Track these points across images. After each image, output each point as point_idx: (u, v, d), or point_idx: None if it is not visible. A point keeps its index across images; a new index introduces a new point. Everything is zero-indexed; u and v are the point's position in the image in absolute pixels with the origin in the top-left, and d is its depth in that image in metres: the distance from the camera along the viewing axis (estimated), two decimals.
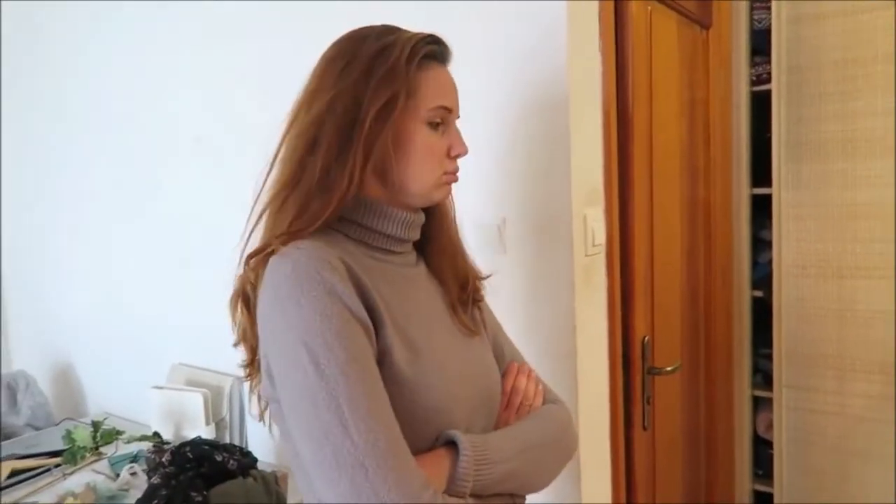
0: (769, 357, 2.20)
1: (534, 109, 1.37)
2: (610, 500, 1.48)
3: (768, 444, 2.25)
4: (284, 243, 0.76)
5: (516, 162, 1.39)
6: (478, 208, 1.44)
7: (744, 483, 2.28)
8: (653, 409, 1.64)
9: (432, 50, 0.85)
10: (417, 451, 0.75)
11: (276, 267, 0.75)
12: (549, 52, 1.32)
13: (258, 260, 0.80)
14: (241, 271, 0.82)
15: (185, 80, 1.98)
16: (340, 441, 0.67)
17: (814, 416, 2.13)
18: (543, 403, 0.96)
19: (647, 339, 1.59)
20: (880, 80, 1.98)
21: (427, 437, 0.77)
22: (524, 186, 1.39)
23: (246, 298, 0.81)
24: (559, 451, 0.92)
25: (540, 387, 0.97)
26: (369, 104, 0.78)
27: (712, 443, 2.11)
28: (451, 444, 0.77)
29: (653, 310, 1.66)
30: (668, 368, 1.65)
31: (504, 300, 1.42)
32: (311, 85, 0.84)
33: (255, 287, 0.79)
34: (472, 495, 0.77)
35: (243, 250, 0.82)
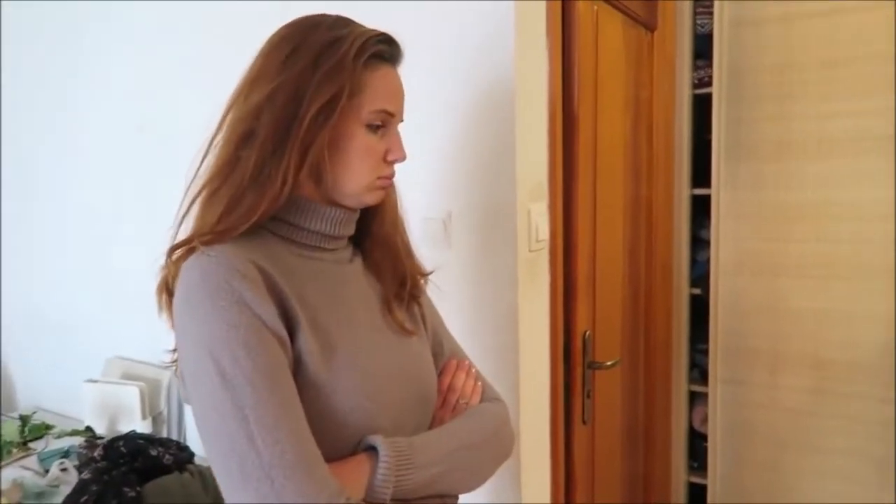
0: (706, 352, 2.27)
1: (481, 106, 1.37)
2: (549, 492, 1.50)
3: (703, 438, 2.32)
4: (208, 244, 0.74)
5: (463, 157, 1.40)
6: (424, 202, 1.44)
7: (679, 475, 2.35)
8: (593, 402, 1.67)
9: (383, 49, 0.83)
10: (339, 455, 0.74)
11: (188, 272, 0.73)
12: (497, 49, 1.33)
13: (179, 254, 0.77)
14: (163, 262, 0.80)
15: (128, 69, 1.92)
16: (246, 453, 0.66)
17: (747, 409, 2.21)
18: (482, 401, 0.94)
19: (588, 333, 1.62)
20: (814, 85, 2.05)
21: (348, 441, 0.76)
22: (470, 181, 1.40)
23: (169, 290, 0.79)
24: (493, 450, 0.90)
25: (479, 384, 0.95)
26: (311, 100, 0.76)
27: (650, 436, 2.16)
28: (373, 449, 0.76)
29: (594, 305, 1.69)
30: (609, 363, 1.68)
31: (449, 294, 1.43)
32: (253, 69, 0.81)
33: (174, 280, 0.76)
34: (397, 500, 0.75)
35: (173, 238, 0.80)
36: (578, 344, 1.59)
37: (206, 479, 1.46)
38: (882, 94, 1.96)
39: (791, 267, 2.12)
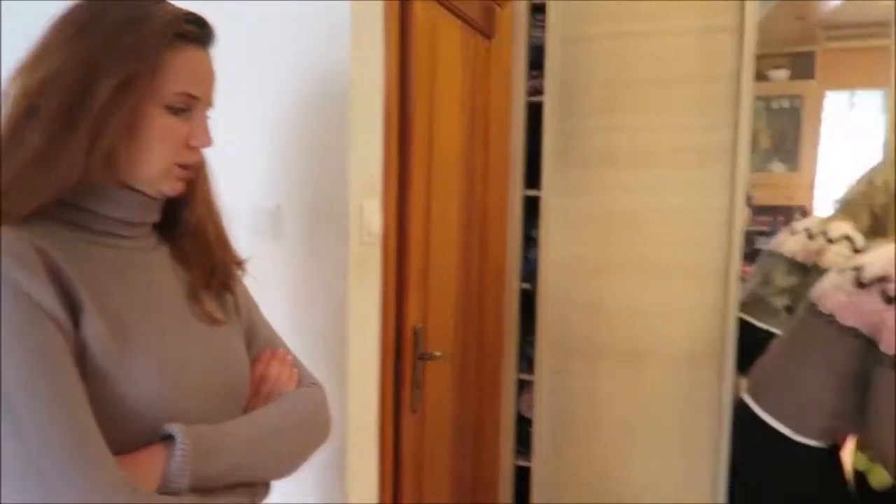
0: (533, 344, 2.43)
1: (315, 99, 1.38)
2: (377, 478, 1.54)
3: (530, 423, 2.47)
4: None
5: (295, 150, 1.40)
6: (253, 192, 1.42)
7: (507, 459, 2.49)
8: (423, 393, 1.74)
9: (190, 30, 0.78)
10: (133, 447, 0.71)
11: None
12: (333, 44, 1.34)
13: None
14: None
15: None
16: (11, 445, 0.62)
17: (569, 397, 2.38)
18: (299, 388, 0.94)
19: (419, 326, 1.68)
20: (636, 100, 2.26)
21: (146, 431, 0.73)
22: (302, 174, 1.40)
23: None
24: (304, 434, 0.89)
25: (294, 371, 0.95)
26: (105, 78, 0.71)
27: (480, 423, 2.27)
28: (171, 438, 0.73)
29: (427, 299, 1.75)
30: (439, 354, 1.75)
31: (277, 286, 1.43)
32: (41, 41, 0.75)
33: None
34: (200, 490, 0.73)
35: None
36: (409, 336, 1.65)
37: None
38: (696, 111, 2.20)
39: (611, 266, 2.32)
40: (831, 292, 1.41)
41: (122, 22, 0.74)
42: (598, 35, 2.30)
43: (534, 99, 2.41)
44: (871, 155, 4.63)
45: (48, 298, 0.68)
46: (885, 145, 2.81)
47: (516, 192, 2.41)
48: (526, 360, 2.52)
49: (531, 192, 2.43)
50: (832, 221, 2.26)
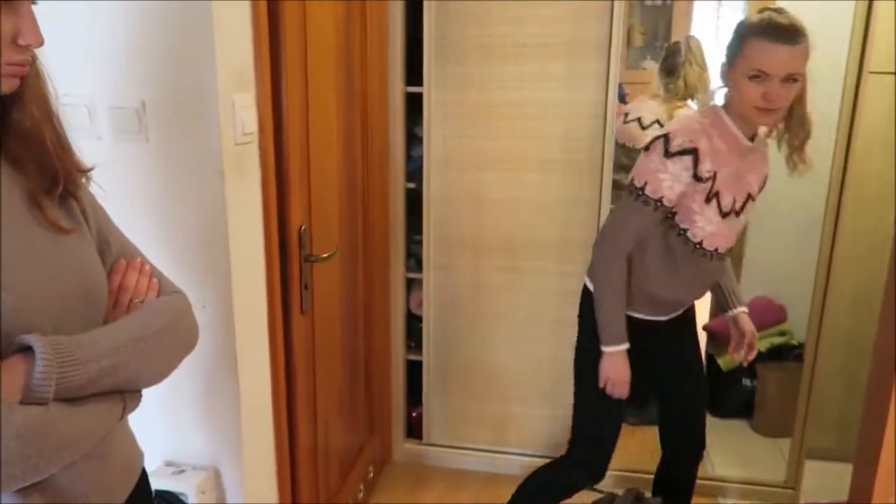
0: (421, 242, 2.45)
1: None
2: (269, 381, 1.55)
3: (419, 319, 2.54)
4: None
5: (156, 42, 1.28)
6: (112, 90, 1.30)
7: (399, 354, 2.56)
8: (311, 293, 1.73)
9: None
10: None
11: None
12: None
13: None
14: None
15: None
16: None
17: (455, 290, 2.45)
18: (160, 297, 0.92)
19: (304, 227, 1.65)
20: None
21: None
22: (165, 69, 1.29)
23: None
24: (170, 341, 0.88)
25: (154, 280, 0.92)
26: None
27: (370, 321, 2.31)
28: (29, 350, 0.70)
29: (310, 198, 1.71)
30: (325, 255, 1.73)
31: (147, 191, 1.34)
32: None
33: None
34: (64, 399, 0.72)
35: None
36: (295, 237, 1.61)
37: None
38: (572, 5, 2.19)
39: (491, 161, 2.35)
40: (639, 168, 1.57)
41: None
42: None
43: None
44: None
45: None
46: None
47: (397, 88, 2.35)
48: (414, 259, 2.55)
49: (413, 89, 2.38)
50: (645, 105, 2.52)
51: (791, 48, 1.43)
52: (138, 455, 0.95)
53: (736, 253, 3.09)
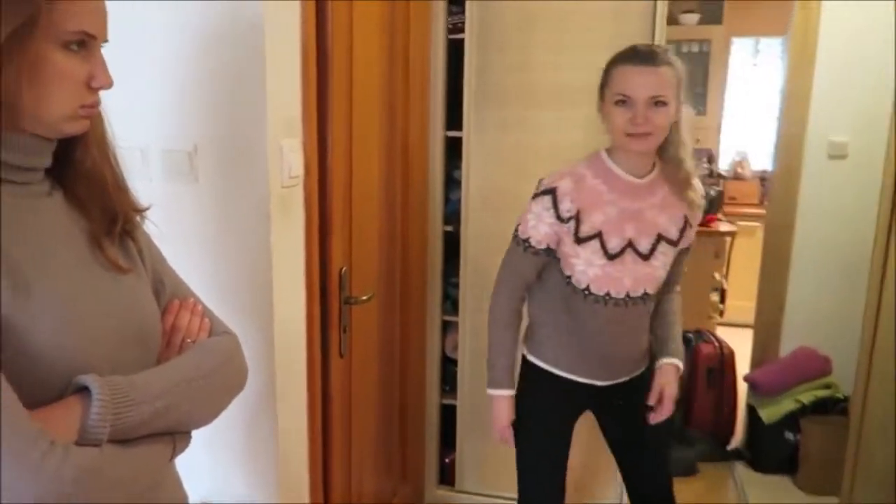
0: (458, 285, 2.45)
1: (227, 34, 1.30)
2: (306, 422, 1.54)
3: (454, 363, 2.52)
4: None
5: (209, 89, 1.32)
6: (167, 134, 1.35)
7: (433, 398, 2.54)
8: (350, 336, 1.73)
9: None
10: (49, 400, 0.69)
11: None
12: None
13: None
14: None
15: None
16: None
17: None
18: (211, 337, 0.93)
19: (344, 269, 1.66)
20: (554, 38, 2.25)
21: (56, 384, 0.70)
22: (218, 115, 1.33)
23: None
24: (220, 382, 0.88)
25: (206, 321, 0.93)
26: (1, 25, 0.66)
27: (405, 364, 2.30)
28: (86, 390, 0.71)
29: (350, 241, 1.73)
30: (364, 297, 1.74)
31: (196, 231, 1.37)
32: None
33: None
34: (118, 441, 0.72)
35: None
36: (335, 279, 1.62)
37: None
38: (610, 50, 2.20)
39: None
40: (524, 219, 1.58)
41: None
42: None
43: (454, 37, 2.36)
44: (772, 100, 4.87)
45: None
46: (783, 90, 2.95)
47: (437, 132, 2.38)
48: (450, 301, 2.55)
49: (452, 133, 2.41)
50: None
51: (652, 69, 1.43)
52: (184, 497, 0.95)
53: (778, 301, 3.04)
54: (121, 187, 0.87)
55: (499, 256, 2.39)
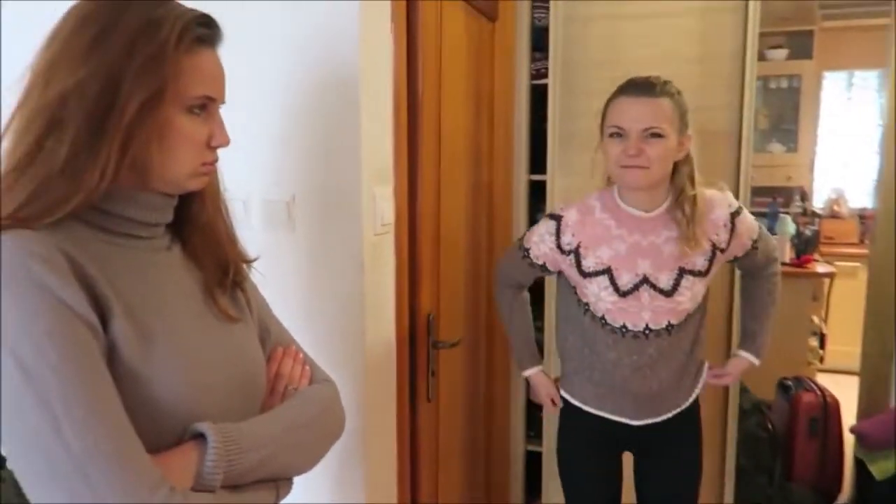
0: (542, 329, 2.42)
1: (324, 88, 1.36)
2: (395, 468, 1.54)
3: (539, 409, 2.47)
4: (5, 229, 0.67)
5: (306, 140, 1.38)
6: (266, 185, 1.40)
7: (518, 444, 2.49)
8: (437, 380, 1.73)
9: (203, 33, 0.78)
10: (165, 447, 0.71)
11: None
12: (341, 34, 1.32)
13: None
14: None
15: None
16: (53, 447, 0.61)
17: None
18: (311, 384, 0.95)
19: (432, 314, 1.67)
20: None
21: (173, 432, 0.73)
22: (314, 164, 1.38)
23: None
24: (321, 430, 0.90)
25: (307, 368, 0.96)
26: (131, 91, 0.71)
27: (490, 409, 2.27)
28: (201, 437, 0.73)
29: (438, 286, 1.74)
30: (452, 342, 1.74)
31: (292, 278, 1.41)
32: (52, 50, 0.73)
33: None
34: (228, 486, 0.74)
35: None
36: (423, 324, 1.64)
37: (20, 485, 1.34)
38: (697, 92, 2.16)
39: None
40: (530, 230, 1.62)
41: (138, 29, 0.73)
42: (600, 16, 2.28)
43: (537, 81, 2.39)
44: (869, 134, 4.65)
45: (78, 301, 0.67)
46: (884, 125, 2.81)
47: (521, 176, 2.39)
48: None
49: (536, 177, 2.41)
50: None
51: (647, 100, 1.39)
52: None
53: (885, 346, 2.84)
54: (232, 239, 0.91)
55: None
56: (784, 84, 4.61)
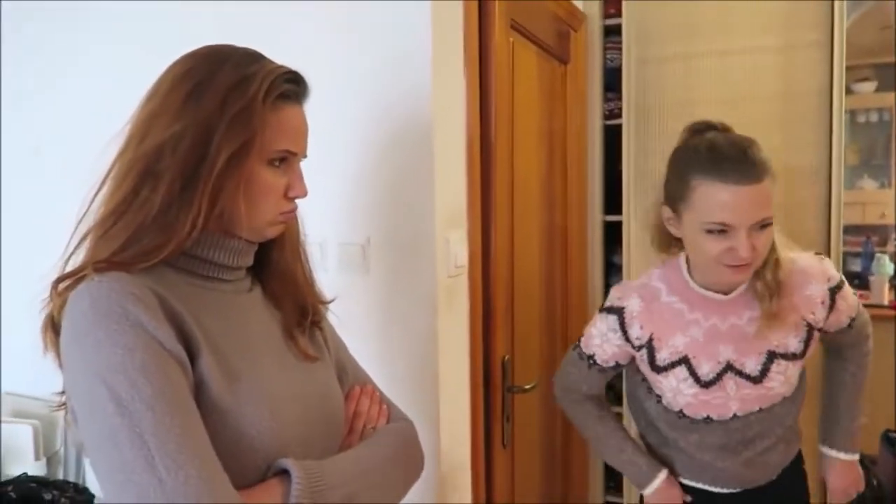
0: (621, 375, 2.33)
1: (398, 132, 1.38)
2: None
3: None
4: (101, 271, 0.71)
5: (381, 184, 1.40)
6: (342, 228, 1.43)
7: (597, 495, 2.39)
8: (512, 426, 1.69)
9: (290, 89, 0.82)
10: (248, 482, 0.72)
11: (75, 302, 0.70)
12: (415, 78, 1.34)
13: (67, 285, 0.73)
14: (48, 295, 0.75)
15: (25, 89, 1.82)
16: (147, 481, 0.62)
17: None
18: (388, 423, 0.95)
19: (507, 358, 1.64)
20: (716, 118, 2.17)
21: (257, 467, 0.74)
22: (389, 208, 1.40)
23: (55, 327, 0.74)
24: (402, 469, 0.90)
25: (384, 407, 0.96)
26: (220, 145, 0.74)
27: (568, 456, 2.20)
28: (285, 473, 0.74)
29: (513, 330, 1.71)
30: (527, 386, 1.70)
31: (366, 320, 1.42)
32: (150, 105, 0.78)
33: (60, 314, 0.72)
34: None
35: (61, 272, 0.76)
36: (498, 369, 1.61)
37: None
38: (781, 130, 2.11)
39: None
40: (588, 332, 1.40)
41: (231, 85, 0.77)
42: (674, 56, 2.25)
43: (610, 122, 2.36)
44: None
45: (170, 339, 0.70)
46: None
47: (596, 217, 2.35)
48: (612, 392, 2.42)
49: (611, 218, 2.37)
50: None
51: (753, 188, 1.10)
52: None
53: None
54: (310, 282, 0.94)
55: None
56: (874, 118, 4.40)
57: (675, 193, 1.20)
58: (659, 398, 1.34)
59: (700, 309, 1.27)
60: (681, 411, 1.31)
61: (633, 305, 1.31)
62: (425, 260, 1.36)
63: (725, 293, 1.26)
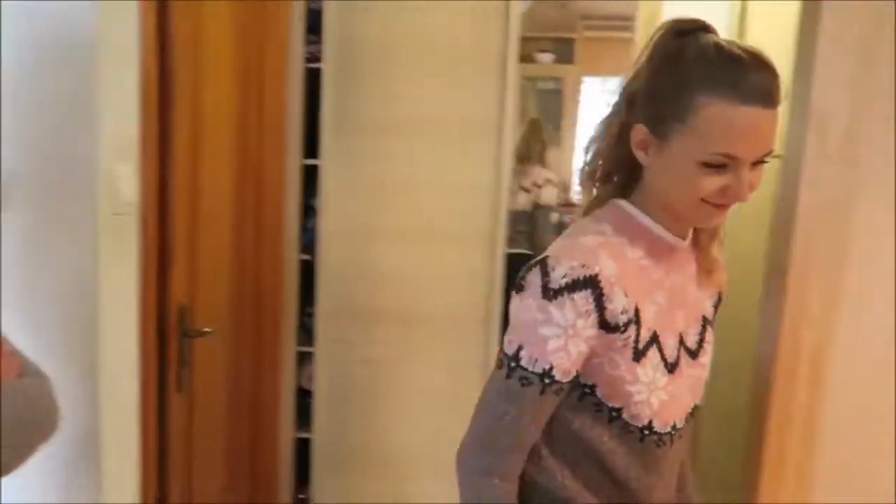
0: (313, 315, 2.40)
1: (52, 49, 1.22)
2: (138, 461, 1.44)
3: (309, 394, 2.46)
4: None
5: (28, 108, 1.22)
6: None
7: (287, 432, 2.45)
8: (193, 372, 1.64)
9: None
10: None
11: None
12: None
13: None
14: None
15: None
16: None
17: (347, 365, 2.41)
18: (19, 378, 0.86)
19: (185, 304, 1.58)
20: (413, 70, 2.29)
21: None
22: (38, 135, 1.23)
23: None
24: (24, 430, 0.83)
25: (16, 360, 0.87)
26: None
27: (258, 398, 2.21)
28: None
29: (196, 273, 1.65)
30: (206, 329, 1.66)
31: (9, 264, 1.25)
32: None
33: None
34: None
35: None
36: (174, 313, 1.54)
37: None
38: (467, 85, 2.28)
39: (387, 234, 2.36)
40: (512, 320, 0.95)
41: None
42: (376, 2, 2.29)
43: (311, 65, 2.35)
44: None
45: None
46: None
47: (294, 161, 2.34)
48: (306, 332, 2.49)
49: (309, 161, 2.38)
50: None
51: (776, 112, 0.87)
52: None
53: None
54: None
55: (356, 285, 2.39)
56: (550, 86, 5.05)
57: (664, 111, 0.89)
58: (616, 414, 0.95)
59: (663, 264, 0.97)
60: (649, 424, 0.95)
61: (607, 268, 0.90)
62: (84, 195, 1.24)
63: (684, 239, 0.98)
